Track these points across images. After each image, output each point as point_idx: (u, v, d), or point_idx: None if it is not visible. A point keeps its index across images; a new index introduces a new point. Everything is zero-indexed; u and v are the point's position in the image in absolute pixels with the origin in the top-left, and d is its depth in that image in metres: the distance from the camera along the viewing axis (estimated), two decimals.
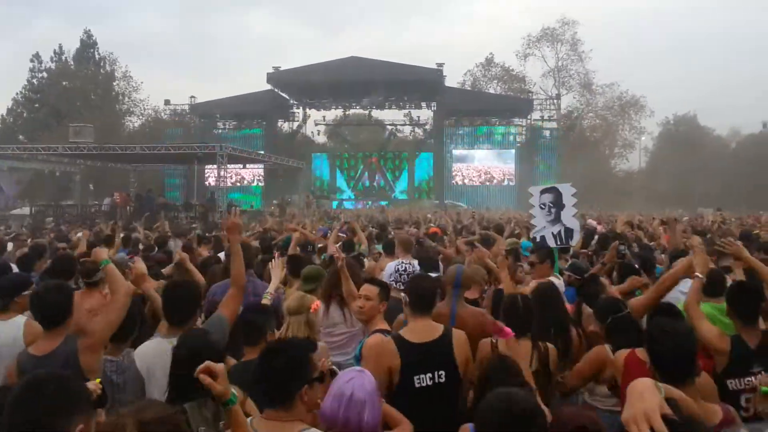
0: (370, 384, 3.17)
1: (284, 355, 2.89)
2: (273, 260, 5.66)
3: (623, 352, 3.92)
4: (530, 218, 7.32)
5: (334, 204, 46.32)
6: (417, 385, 3.93)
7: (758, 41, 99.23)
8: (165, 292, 4.42)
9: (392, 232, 12.80)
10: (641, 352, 3.68)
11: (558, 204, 7.07)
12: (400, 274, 6.33)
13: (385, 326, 4.50)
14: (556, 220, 7.05)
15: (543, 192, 7.20)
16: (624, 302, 4.85)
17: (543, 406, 2.65)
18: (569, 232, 7.02)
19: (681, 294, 5.99)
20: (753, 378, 3.91)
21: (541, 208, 7.13)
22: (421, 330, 4.16)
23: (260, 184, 50.82)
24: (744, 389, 4.01)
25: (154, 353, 4.04)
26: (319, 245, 9.73)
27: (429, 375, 3.97)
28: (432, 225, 14.68)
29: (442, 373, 3.99)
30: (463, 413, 3.80)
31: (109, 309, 4.13)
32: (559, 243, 7.06)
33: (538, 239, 7.17)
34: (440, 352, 4.05)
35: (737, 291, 4.41)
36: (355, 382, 3.12)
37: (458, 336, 4.19)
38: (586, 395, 4.75)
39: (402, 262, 7.15)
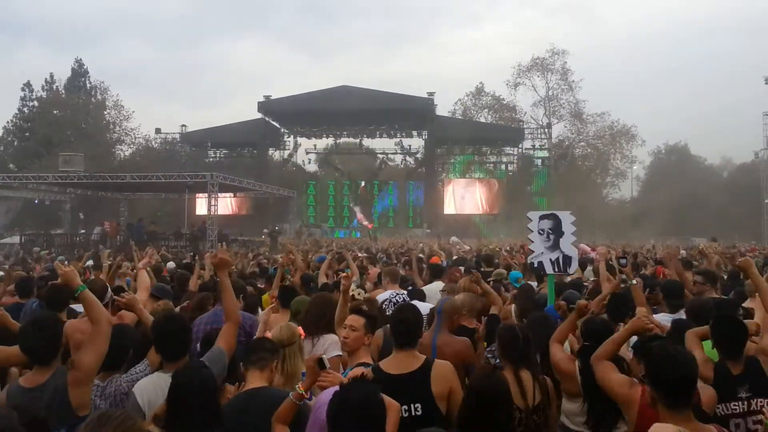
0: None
1: (363, 405, 2.83)
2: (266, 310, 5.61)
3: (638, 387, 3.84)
4: (528, 243, 7.24)
5: (325, 233, 46.15)
6: None
7: (747, 68, 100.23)
8: (156, 326, 4.32)
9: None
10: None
11: (557, 231, 6.98)
12: (394, 304, 6.20)
13: (368, 359, 4.44)
14: (555, 246, 6.95)
15: (542, 218, 7.10)
16: (611, 327, 4.87)
17: None
18: (567, 259, 6.92)
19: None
20: (740, 403, 4.07)
21: (540, 233, 7.03)
22: (399, 362, 4.13)
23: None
24: (731, 414, 4.08)
25: (155, 387, 3.96)
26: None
27: (404, 407, 3.83)
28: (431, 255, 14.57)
29: (419, 406, 3.92)
30: None
31: (93, 340, 4.02)
32: (556, 270, 6.96)
33: (536, 264, 7.08)
34: (416, 384, 3.96)
35: (721, 325, 4.36)
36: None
37: (440, 367, 4.12)
38: (561, 416, 4.71)
39: (397, 293, 7.06)
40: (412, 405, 3.90)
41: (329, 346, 5.05)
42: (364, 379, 3.13)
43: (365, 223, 51.54)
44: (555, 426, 4.39)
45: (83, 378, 3.84)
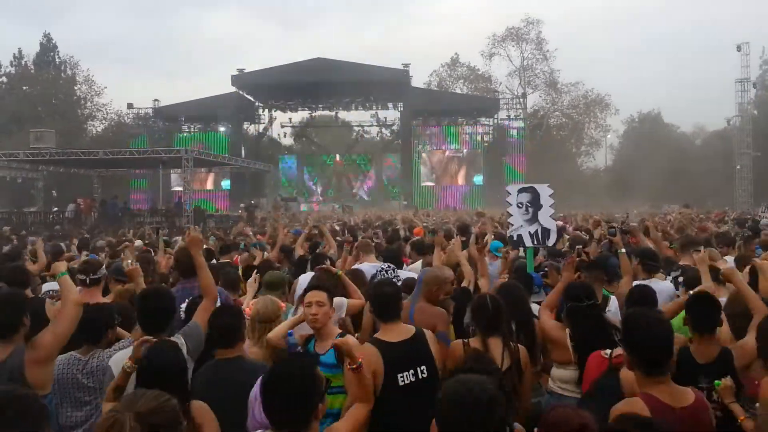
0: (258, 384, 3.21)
1: (292, 379, 2.76)
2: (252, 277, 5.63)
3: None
4: (507, 216, 7.32)
5: (302, 207, 46.02)
6: (401, 383, 3.97)
7: (719, 39, 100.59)
8: (139, 300, 4.33)
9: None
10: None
11: (535, 203, 7.07)
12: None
13: (337, 331, 4.51)
14: (533, 219, 7.05)
15: (520, 191, 7.17)
16: (592, 290, 4.95)
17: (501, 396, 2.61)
18: (546, 232, 7.02)
19: None
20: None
21: (518, 207, 7.10)
22: (394, 331, 4.23)
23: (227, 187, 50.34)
24: None
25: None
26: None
27: (411, 371, 4.04)
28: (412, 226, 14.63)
29: (424, 367, 4.08)
30: None
31: (57, 321, 4.10)
32: (535, 242, 7.07)
33: (515, 238, 7.16)
34: (418, 348, 4.15)
35: (696, 302, 4.33)
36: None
37: (430, 334, 4.33)
38: (550, 382, 4.88)
39: (388, 266, 7.04)
40: (418, 368, 4.06)
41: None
42: (300, 354, 3.14)
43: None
44: (528, 394, 4.49)
45: (42, 357, 3.88)
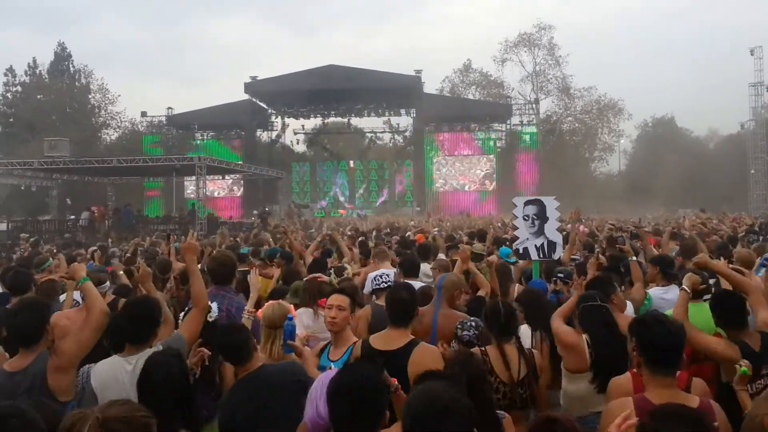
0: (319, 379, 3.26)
1: (358, 387, 2.68)
2: (250, 274, 5.55)
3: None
4: (513, 228, 7.33)
5: (315, 213, 46.04)
6: None
7: (732, 43, 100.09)
8: (124, 309, 4.25)
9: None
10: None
11: (541, 216, 7.08)
12: (379, 285, 6.18)
13: (354, 338, 4.44)
14: (540, 232, 7.05)
15: (527, 203, 7.15)
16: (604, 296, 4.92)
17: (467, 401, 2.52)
18: (552, 245, 7.02)
19: (662, 300, 5.93)
20: (763, 379, 3.97)
21: (525, 219, 7.11)
22: (388, 338, 4.17)
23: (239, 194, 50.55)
24: (756, 392, 3.97)
25: (109, 372, 3.89)
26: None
27: None
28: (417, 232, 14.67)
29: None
30: None
31: (82, 328, 4.07)
32: (542, 256, 7.06)
33: (521, 251, 7.15)
34: (395, 363, 3.90)
35: (722, 301, 4.35)
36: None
37: (421, 351, 4.08)
38: (562, 401, 4.74)
39: (384, 273, 7.04)
40: None
41: None
42: (364, 361, 3.11)
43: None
44: (543, 400, 4.40)
45: (63, 364, 3.87)
